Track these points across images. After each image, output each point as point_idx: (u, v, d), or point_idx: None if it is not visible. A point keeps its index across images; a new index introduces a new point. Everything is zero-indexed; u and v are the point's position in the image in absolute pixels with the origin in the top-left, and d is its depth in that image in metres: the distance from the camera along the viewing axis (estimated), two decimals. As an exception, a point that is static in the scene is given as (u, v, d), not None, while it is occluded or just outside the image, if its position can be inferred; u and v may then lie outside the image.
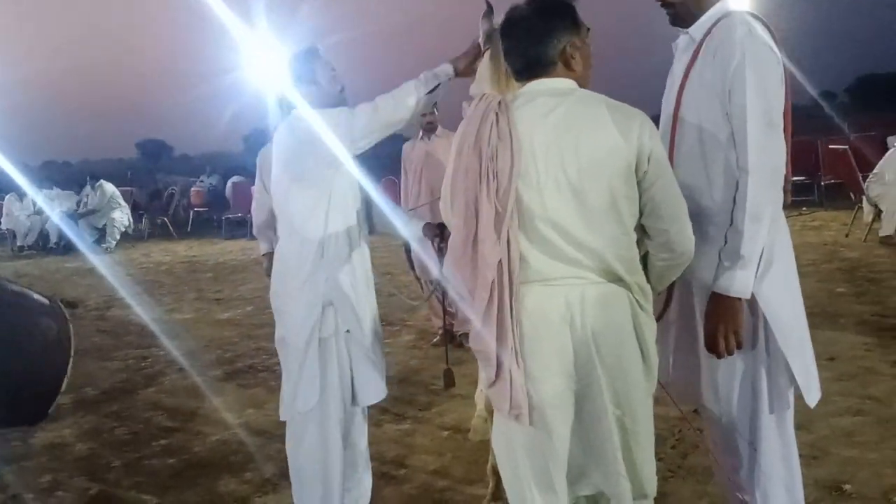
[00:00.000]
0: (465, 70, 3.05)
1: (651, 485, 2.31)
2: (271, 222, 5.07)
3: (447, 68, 3.06)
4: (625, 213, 2.19)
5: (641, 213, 2.23)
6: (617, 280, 2.21)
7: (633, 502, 2.26)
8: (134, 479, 4.15)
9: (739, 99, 2.31)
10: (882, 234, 9.51)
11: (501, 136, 2.18)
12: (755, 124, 2.30)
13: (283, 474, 3.99)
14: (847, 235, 9.82)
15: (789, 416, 2.53)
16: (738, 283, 2.34)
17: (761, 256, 2.36)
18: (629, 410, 2.23)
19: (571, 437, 2.26)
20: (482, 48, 3.00)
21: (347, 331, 3.14)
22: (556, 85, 2.26)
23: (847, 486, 3.44)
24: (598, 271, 2.19)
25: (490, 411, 3.42)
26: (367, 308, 3.21)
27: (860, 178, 10.10)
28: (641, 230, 2.27)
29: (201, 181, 19.78)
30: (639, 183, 2.19)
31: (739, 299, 2.36)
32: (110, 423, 5.07)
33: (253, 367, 6.21)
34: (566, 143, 2.15)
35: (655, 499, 2.37)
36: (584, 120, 2.17)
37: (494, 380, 2.24)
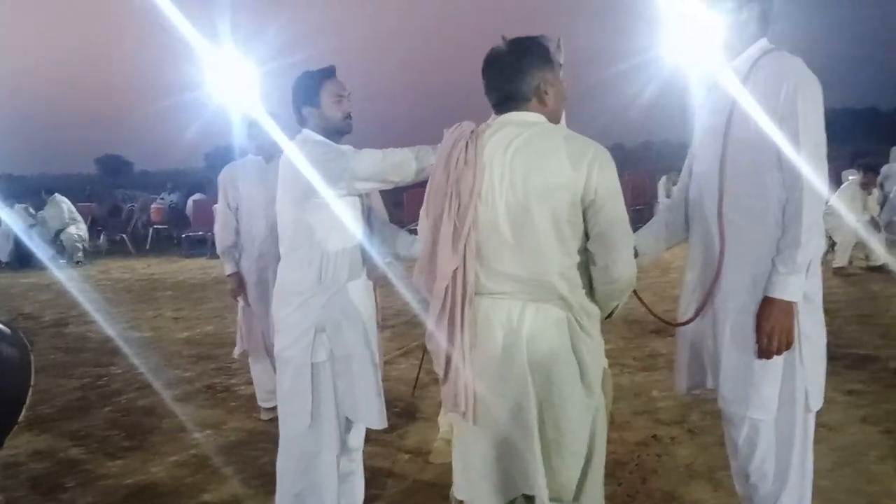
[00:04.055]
0: None
1: (566, 491, 2.47)
2: (236, 242, 5.07)
3: None
4: (567, 237, 2.37)
5: (589, 239, 2.41)
6: (558, 299, 2.40)
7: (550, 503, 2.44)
8: (89, 500, 4.09)
9: (791, 124, 2.49)
10: (835, 265, 9.91)
11: (468, 160, 2.40)
12: (808, 147, 2.49)
13: (243, 497, 3.98)
14: (802, 266, 9.99)
15: (812, 421, 2.78)
16: (792, 287, 2.57)
17: (809, 265, 2.57)
18: (553, 421, 2.42)
19: (507, 438, 2.46)
20: None
21: (342, 357, 3.13)
22: (524, 118, 2.45)
23: (800, 513, 3.50)
24: (541, 289, 2.39)
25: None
26: (364, 335, 3.19)
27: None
28: (588, 255, 2.44)
29: (162, 198, 19.59)
30: (584, 211, 2.36)
31: (792, 303, 2.57)
32: (66, 443, 4.99)
33: (212, 387, 6.15)
34: (519, 168, 2.35)
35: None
36: (539, 149, 2.36)
37: (444, 379, 2.50)
